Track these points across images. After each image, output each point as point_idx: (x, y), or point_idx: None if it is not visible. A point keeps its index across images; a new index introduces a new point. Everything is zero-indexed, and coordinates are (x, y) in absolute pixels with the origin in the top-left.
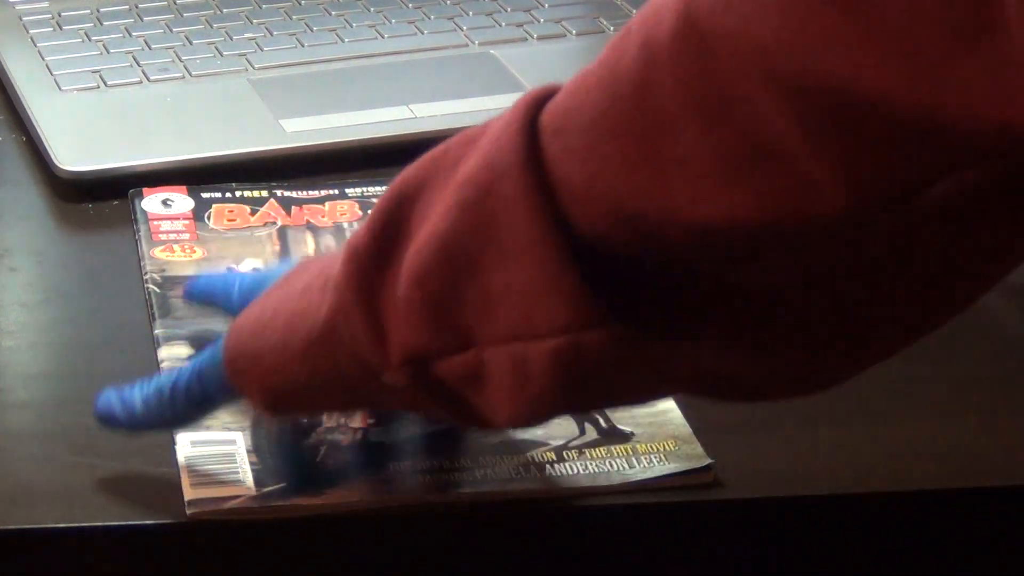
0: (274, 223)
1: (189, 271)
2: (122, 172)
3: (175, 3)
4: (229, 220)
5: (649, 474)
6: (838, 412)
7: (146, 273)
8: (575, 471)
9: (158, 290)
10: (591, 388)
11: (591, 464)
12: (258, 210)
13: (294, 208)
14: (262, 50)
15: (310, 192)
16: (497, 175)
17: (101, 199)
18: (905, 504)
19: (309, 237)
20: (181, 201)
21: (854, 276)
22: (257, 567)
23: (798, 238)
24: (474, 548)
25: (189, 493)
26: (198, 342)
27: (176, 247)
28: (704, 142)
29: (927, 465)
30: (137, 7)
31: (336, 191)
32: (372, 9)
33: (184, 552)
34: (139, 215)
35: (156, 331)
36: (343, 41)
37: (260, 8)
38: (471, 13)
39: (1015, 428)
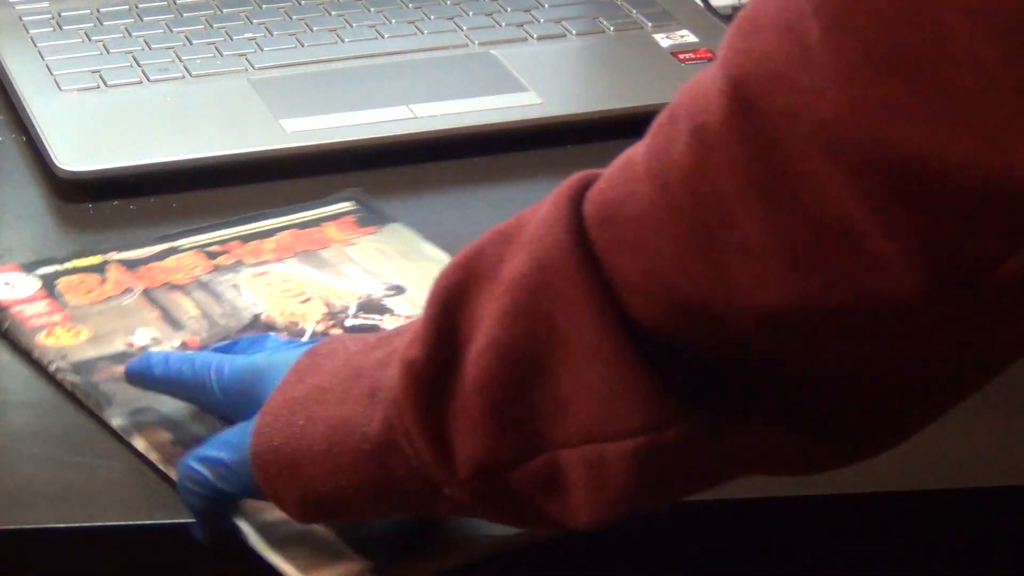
0: (131, 290)
1: (90, 353)
2: (122, 172)
3: (175, 3)
4: (86, 292)
5: None
6: None
7: (51, 364)
8: None
9: (79, 380)
10: (668, 481)
11: None
12: (106, 277)
13: (140, 269)
14: (262, 50)
15: (142, 250)
16: (549, 274)
17: (101, 199)
18: (905, 504)
19: (179, 297)
20: (22, 281)
21: (914, 358)
22: (264, 567)
23: (868, 322)
24: None
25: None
26: (172, 423)
27: (58, 330)
28: (767, 225)
29: (928, 465)
30: (137, 7)
31: (167, 246)
32: (372, 9)
33: (184, 552)
34: None
35: (114, 423)
36: (343, 41)
37: (260, 8)
38: (471, 13)
39: (1015, 428)
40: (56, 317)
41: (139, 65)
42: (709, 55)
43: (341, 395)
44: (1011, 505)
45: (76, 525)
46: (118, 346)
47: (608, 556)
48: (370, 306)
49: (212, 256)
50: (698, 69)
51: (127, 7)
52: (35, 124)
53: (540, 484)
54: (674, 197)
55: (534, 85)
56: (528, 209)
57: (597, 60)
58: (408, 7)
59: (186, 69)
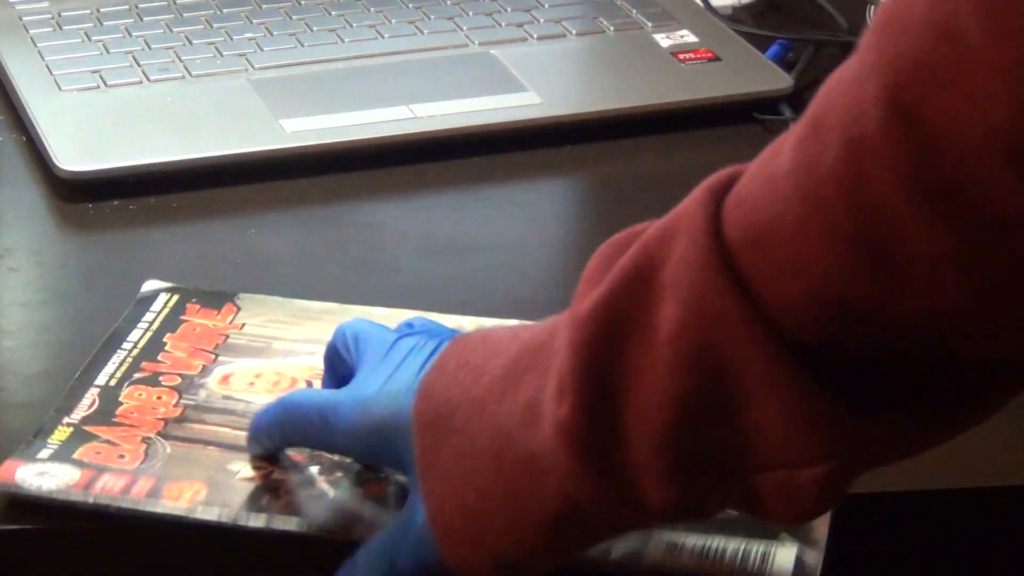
0: (150, 438)
1: (231, 503)
2: (122, 172)
3: (175, 3)
4: (119, 457)
5: None
6: None
7: (228, 521)
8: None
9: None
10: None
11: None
12: (109, 440)
13: (115, 421)
14: (262, 50)
15: (83, 405)
16: (709, 319)
17: (101, 199)
18: (905, 504)
19: (207, 427)
20: (48, 470)
21: None
22: (259, 567)
23: None
24: None
25: None
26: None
27: (168, 490)
28: (937, 232)
29: (928, 465)
30: (137, 7)
31: (93, 392)
32: (372, 9)
33: (184, 552)
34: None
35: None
36: (343, 41)
37: (260, 8)
38: (471, 13)
39: (1015, 428)
40: (148, 483)
41: (139, 65)
42: (709, 55)
43: (495, 460)
44: (1011, 505)
45: (76, 525)
46: (241, 485)
47: None
48: None
49: (154, 383)
50: (698, 69)
51: (127, 7)
52: (35, 124)
53: (735, 502)
54: (832, 213)
55: (534, 85)
56: (649, 235)
57: (597, 60)
58: (408, 7)
59: (186, 69)
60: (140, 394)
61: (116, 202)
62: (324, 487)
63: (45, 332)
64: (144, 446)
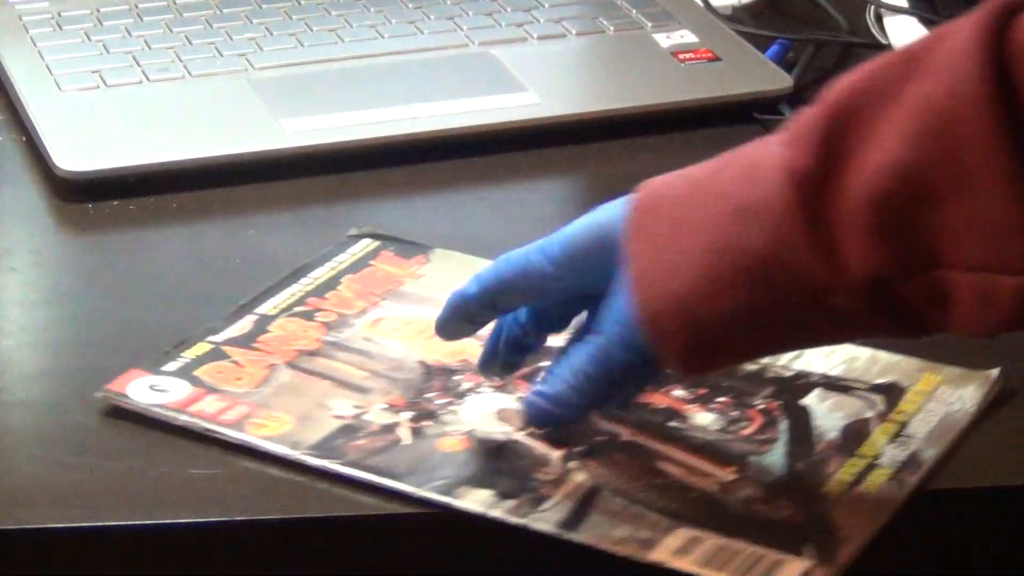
0: (276, 366)
1: (315, 435)
2: (122, 172)
3: (175, 3)
4: (236, 379)
5: None
6: None
7: (288, 454)
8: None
9: (339, 463)
10: None
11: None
12: (237, 361)
13: (254, 346)
14: (262, 50)
15: (236, 328)
16: (963, 104)
17: (101, 199)
18: (905, 504)
19: (335, 364)
20: (165, 383)
21: None
22: (263, 567)
23: None
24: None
25: None
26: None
27: (262, 420)
28: None
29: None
30: (137, 7)
31: (253, 317)
32: (372, 9)
33: (184, 552)
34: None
35: (428, 494)
36: (343, 41)
37: (260, 8)
38: (471, 13)
39: (1015, 428)
40: (244, 409)
41: (139, 65)
42: (709, 55)
43: (705, 220)
44: (1011, 505)
45: (76, 525)
46: (329, 422)
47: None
48: None
49: (308, 317)
50: (698, 69)
51: (127, 7)
52: (35, 124)
53: (930, 297)
54: None
55: (534, 85)
56: (933, 32)
57: (597, 60)
58: (408, 7)
59: (186, 69)
60: (291, 326)
61: (116, 202)
62: (405, 434)
63: (45, 332)
64: (266, 373)
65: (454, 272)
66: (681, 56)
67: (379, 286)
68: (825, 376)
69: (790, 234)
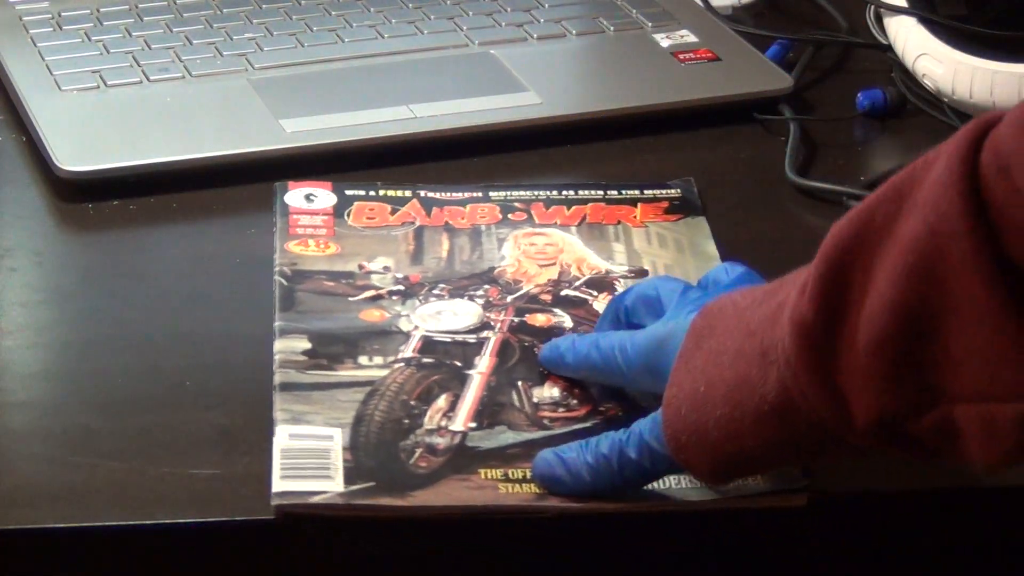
0: (412, 223)
1: (320, 266)
2: (122, 172)
3: (175, 3)
4: (368, 218)
5: (744, 492)
6: None
7: (276, 266)
8: (669, 485)
9: (285, 283)
10: None
11: (687, 479)
12: (399, 209)
13: (434, 209)
14: (262, 50)
15: (453, 194)
16: (943, 239)
17: (101, 199)
18: (905, 504)
19: (445, 238)
20: (324, 197)
21: None
22: (263, 567)
23: None
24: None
25: (278, 485)
26: (318, 338)
27: (311, 242)
28: None
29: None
30: (137, 7)
31: (479, 193)
32: (372, 9)
33: (184, 552)
34: (279, 208)
35: (276, 323)
36: (343, 41)
37: (260, 8)
38: (471, 13)
39: None
40: (321, 232)
41: (139, 65)
42: (709, 55)
43: (735, 355)
44: (1011, 505)
45: (76, 525)
46: (350, 266)
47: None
48: (598, 283)
49: (506, 210)
50: (698, 69)
51: (127, 7)
52: (35, 124)
53: (940, 432)
54: None
55: (534, 85)
56: (920, 159)
57: (597, 60)
58: (408, 7)
59: (186, 69)
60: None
61: (116, 202)
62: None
63: (45, 332)
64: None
65: (669, 237)
66: (681, 56)
67: (597, 218)
68: None
69: (798, 384)
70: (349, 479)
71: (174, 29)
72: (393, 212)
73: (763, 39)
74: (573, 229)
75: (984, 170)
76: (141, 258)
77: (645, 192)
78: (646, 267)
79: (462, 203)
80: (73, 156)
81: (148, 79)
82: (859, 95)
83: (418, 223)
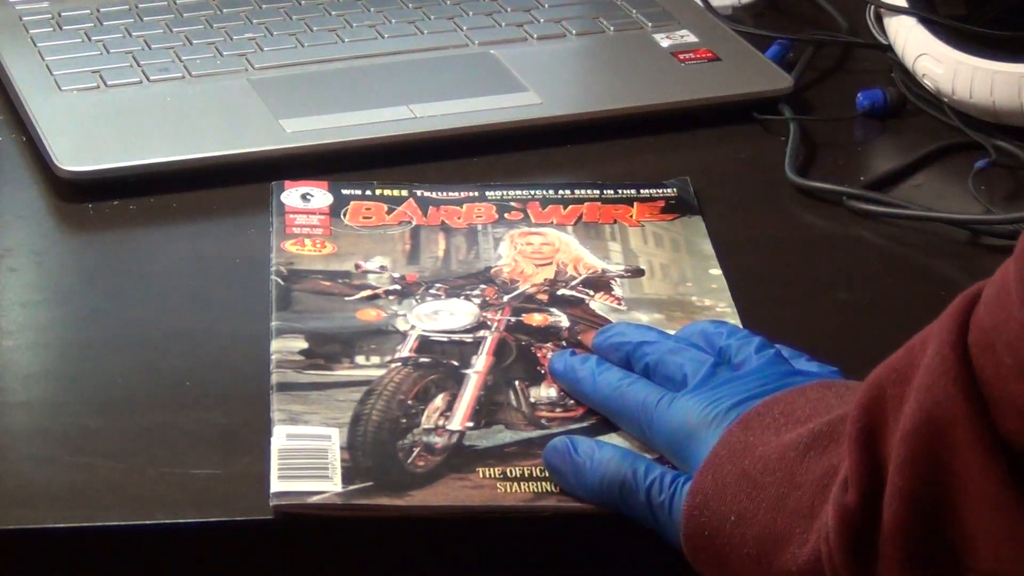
0: (408, 222)
1: (317, 265)
2: (122, 172)
3: (175, 3)
4: (365, 218)
5: None
6: None
7: (272, 266)
8: None
9: (281, 282)
10: None
11: None
12: (395, 209)
13: (431, 208)
14: (262, 50)
15: (449, 193)
16: (940, 426)
17: (101, 199)
18: None
19: (441, 237)
20: (320, 196)
21: None
22: (263, 567)
23: None
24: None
25: (276, 485)
26: (314, 338)
27: (307, 241)
28: None
29: None
30: (137, 7)
31: (475, 193)
32: (372, 9)
33: (184, 552)
34: (275, 208)
35: (272, 323)
36: (343, 41)
37: (260, 8)
38: (471, 13)
39: None
40: (317, 232)
41: (139, 65)
42: (709, 55)
43: (776, 502)
44: None
45: (76, 525)
46: (347, 266)
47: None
48: (594, 282)
49: (503, 210)
50: (698, 69)
51: (127, 7)
52: (35, 124)
53: None
54: None
55: (534, 85)
56: (918, 337)
57: (597, 60)
58: (408, 7)
59: (186, 69)
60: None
61: (116, 202)
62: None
63: (45, 332)
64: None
65: (666, 236)
66: (681, 56)
67: (592, 217)
68: None
69: (832, 564)
70: (347, 479)
71: (174, 29)
72: (389, 211)
73: (763, 39)
74: (569, 228)
75: (973, 349)
76: (141, 258)
77: (641, 192)
78: (642, 266)
79: (458, 203)
80: (73, 156)
81: (148, 79)
82: (859, 95)
83: (414, 222)
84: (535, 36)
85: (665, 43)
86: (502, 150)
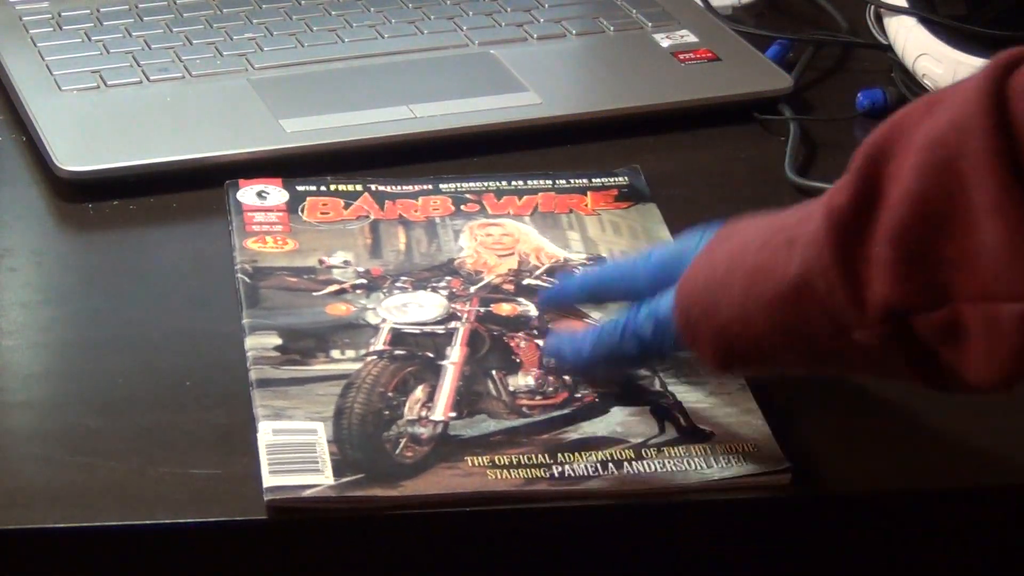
0: (367, 217)
1: (280, 262)
2: (122, 172)
3: (175, 3)
4: (322, 213)
5: (727, 473)
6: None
7: (237, 264)
8: (653, 469)
9: (248, 280)
10: None
11: (669, 462)
12: (352, 203)
13: (387, 203)
14: (262, 50)
15: (404, 187)
16: (963, 133)
17: (101, 199)
18: (905, 504)
19: (401, 231)
20: (276, 193)
21: None
22: (263, 567)
23: None
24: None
25: (268, 480)
26: (287, 334)
27: (268, 238)
28: None
29: (928, 465)
30: (137, 7)
31: (430, 186)
32: (372, 9)
33: (184, 552)
34: (233, 206)
35: (244, 320)
36: (343, 41)
37: (260, 8)
38: (471, 13)
39: (1015, 428)
40: (277, 228)
41: (139, 65)
42: (709, 55)
43: (760, 246)
44: (1012, 505)
45: (76, 525)
46: (310, 261)
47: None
48: (558, 271)
49: (459, 202)
50: (698, 69)
51: (127, 7)
52: (35, 124)
53: (942, 333)
54: None
55: (534, 85)
56: (959, 80)
57: (597, 60)
58: (408, 7)
59: (186, 69)
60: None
61: (116, 202)
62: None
63: (45, 332)
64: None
65: (623, 224)
66: (681, 56)
67: (548, 207)
68: None
69: (821, 267)
70: (338, 472)
71: (174, 29)
72: (346, 206)
73: (763, 39)
74: (527, 219)
75: (1012, 91)
76: (141, 258)
77: (593, 180)
78: (603, 254)
79: (414, 196)
80: (73, 156)
81: (148, 79)
82: (859, 95)
83: (372, 217)
84: (535, 36)
85: (665, 43)
86: (502, 150)
